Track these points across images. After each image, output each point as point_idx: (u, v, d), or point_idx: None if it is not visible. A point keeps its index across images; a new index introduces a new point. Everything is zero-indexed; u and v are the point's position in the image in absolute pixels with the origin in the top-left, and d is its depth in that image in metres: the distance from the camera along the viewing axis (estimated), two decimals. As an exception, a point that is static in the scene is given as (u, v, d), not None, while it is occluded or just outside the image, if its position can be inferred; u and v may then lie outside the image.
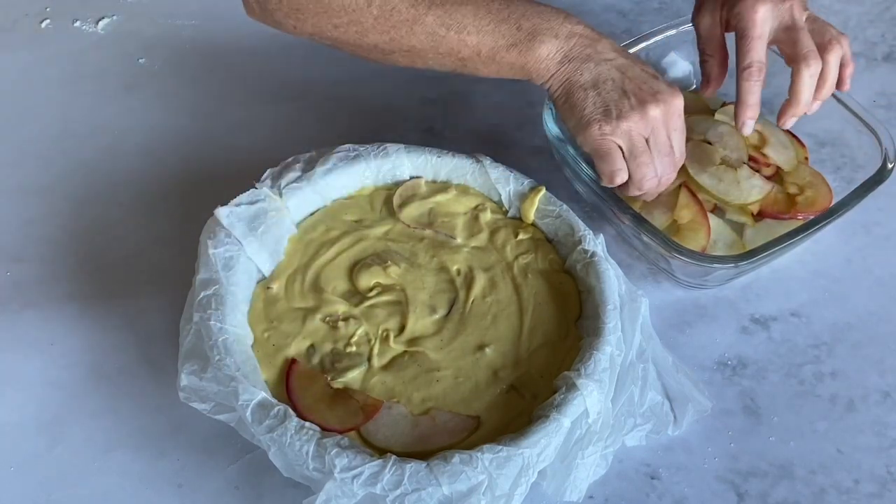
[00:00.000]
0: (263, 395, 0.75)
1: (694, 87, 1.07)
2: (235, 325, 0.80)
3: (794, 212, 0.95)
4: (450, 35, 0.82)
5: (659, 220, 0.92)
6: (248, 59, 1.14)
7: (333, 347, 0.81)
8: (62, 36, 1.17)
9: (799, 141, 1.01)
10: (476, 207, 0.91)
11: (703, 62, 0.97)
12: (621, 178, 0.84)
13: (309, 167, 0.90)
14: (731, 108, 1.01)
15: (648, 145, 0.83)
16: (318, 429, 0.74)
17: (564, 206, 0.89)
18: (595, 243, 0.86)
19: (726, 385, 0.87)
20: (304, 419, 0.75)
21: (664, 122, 0.83)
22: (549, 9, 0.84)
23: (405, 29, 0.82)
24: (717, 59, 0.96)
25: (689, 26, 1.03)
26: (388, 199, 0.92)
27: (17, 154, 1.05)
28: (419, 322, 0.83)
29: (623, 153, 0.83)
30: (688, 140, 0.88)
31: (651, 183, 0.85)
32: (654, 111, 0.82)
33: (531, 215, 0.90)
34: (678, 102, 0.84)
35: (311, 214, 0.90)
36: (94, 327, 0.90)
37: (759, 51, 0.89)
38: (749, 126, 0.91)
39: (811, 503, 0.81)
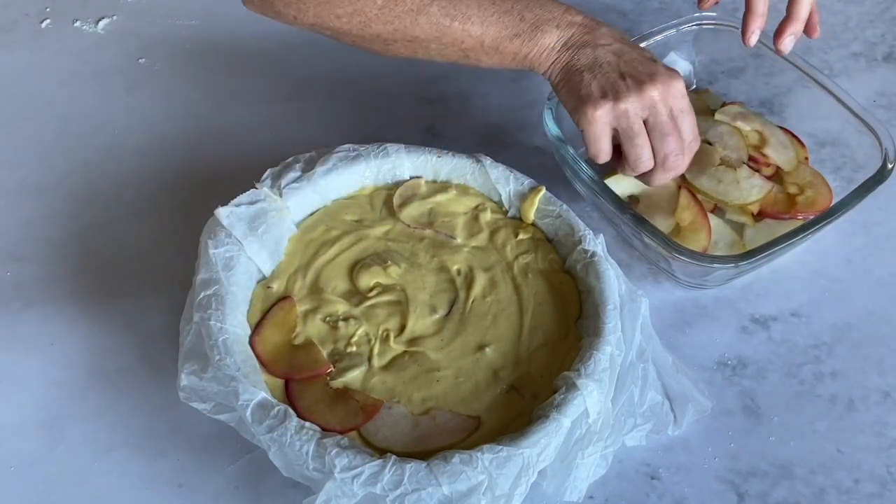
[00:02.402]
0: (263, 395, 0.75)
1: (694, 86, 1.08)
2: (236, 325, 0.80)
3: (794, 212, 0.95)
4: (454, 25, 0.83)
5: (661, 224, 0.91)
6: (248, 59, 1.14)
7: (334, 347, 0.81)
8: (62, 36, 1.17)
9: (799, 141, 1.01)
10: (476, 207, 0.91)
11: None
12: (604, 158, 0.85)
13: (309, 167, 0.90)
14: (731, 108, 1.01)
15: (648, 127, 0.83)
16: (318, 429, 0.74)
17: (564, 206, 0.89)
18: (595, 243, 0.86)
19: (726, 385, 0.87)
20: (304, 419, 0.75)
21: (663, 101, 0.83)
22: (552, 1, 0.86)
23: (409, 19, 0.83)
24: None
25: (688, 26, 1.03)
26: (388, 199, 0.92)
27: (17, 154, 1.05)
28: (419, 322, 0.83)
29: (619, 134, 0.84)
30: None
31: (646, 164, 0.84)
32: (652, 91, 0.82)
33: (531, 215, 0.90)
34: (678, 84, 0.83)
35: (311, 214, 0.90)
36: (94, 327, 0.90)
37: None
38: (755, 36, 0.92)
39: (811, 503, 0.81)
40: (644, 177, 0.87)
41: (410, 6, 0.82)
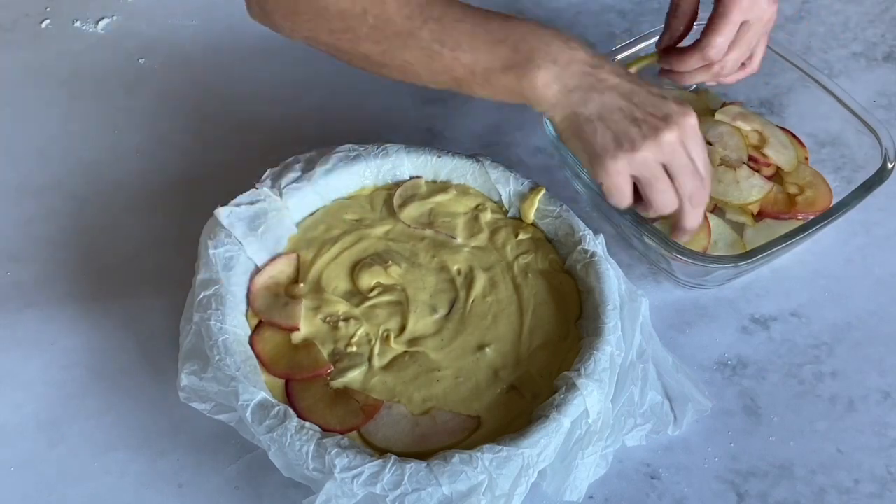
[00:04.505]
0: (263, 395, 0.75)
1: (694, 86, 1.07)
2: (235, 325, 0.80)
3: (794, 212, 0.95)
4: (444, 52, 0.79)
5: (661, 224, 0.91)
6: (248, 59, 1.14)
7: (334, 348, 0.81)
8: (62, 36, 1.17)
9: (799, 141, 1.01)
10: (476, 207, 0.91)
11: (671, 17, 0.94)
12: (626, 205, 0.81)
13: (309, 167, 0.90)
14: (731, 108, 1.01)
15: (669, 171, 0.79)
16: (318, 429, 0.74)
17: (564, 206, 0.89)
18: (595, 243, 0.86)
19: (726, 385, 0.87)
20: (304, 420, 0.75)
21: (681, 144, 0.79)
22: (551, 32, 0.80)
23: (399, 41, 0.79)
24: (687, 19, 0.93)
25: (688, 26, 1.03)
26: (389, 199, 0.92)
27: (17, 154, 1.05)
28: (420, 322, 0.83)
29: (640, 181, 0.80)
30: None
31: (671, 206, 0.81)
32: (669, 136, 0.78)
33: (531, 215, 0.90)
34: (691, 121, 0.79)
35: (311, 214, 0.90)
36: (94, 327, 0.90)
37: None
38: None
39: (811, 503, 0.81)
40: (676, 218, 0.83)
41: (400, 28, 0.79)
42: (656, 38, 1.02)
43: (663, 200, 0.80)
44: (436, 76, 0.81)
